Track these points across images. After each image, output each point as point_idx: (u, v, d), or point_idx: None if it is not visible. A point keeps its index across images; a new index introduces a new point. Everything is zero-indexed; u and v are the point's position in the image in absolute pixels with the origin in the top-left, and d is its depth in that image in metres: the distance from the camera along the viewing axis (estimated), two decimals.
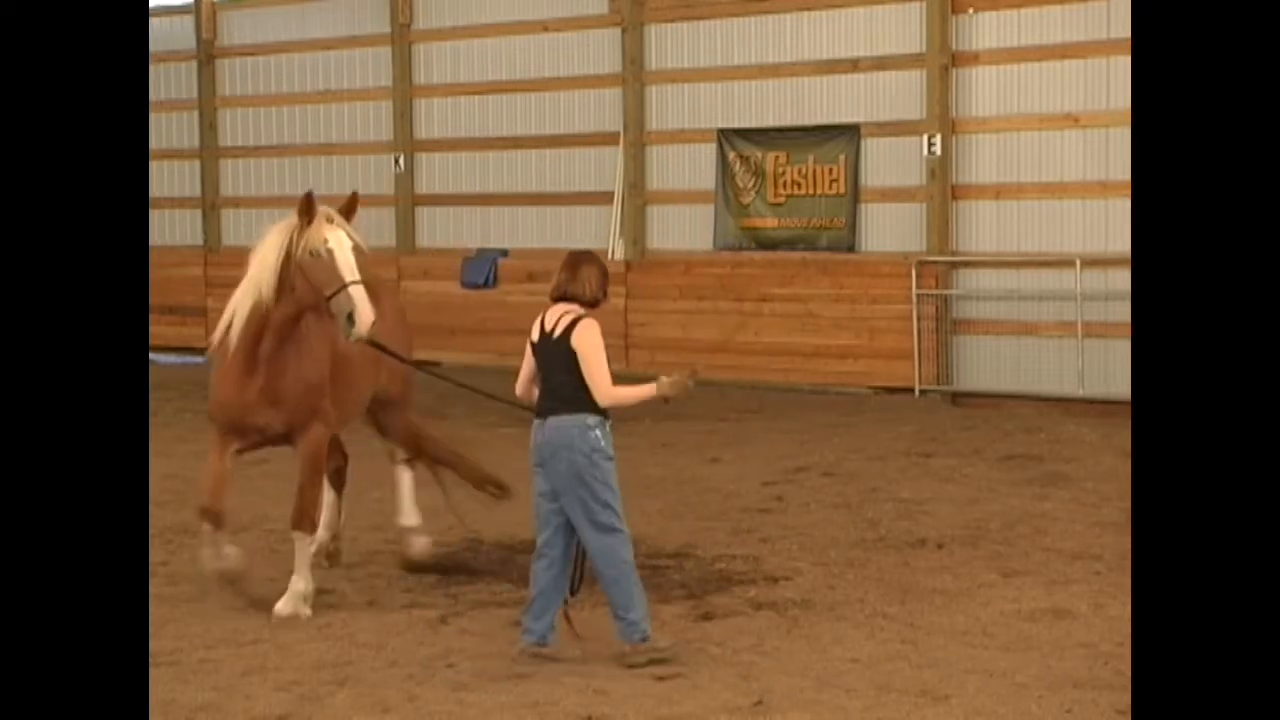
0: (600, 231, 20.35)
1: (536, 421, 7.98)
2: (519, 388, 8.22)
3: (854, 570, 9.87)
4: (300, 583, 8.87)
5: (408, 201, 22.69)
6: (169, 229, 25.50)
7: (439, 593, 9.36)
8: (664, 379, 8.02)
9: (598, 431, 7.83)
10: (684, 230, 20.24)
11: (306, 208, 8.57)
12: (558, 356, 7.87)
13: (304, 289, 8.50)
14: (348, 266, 8.41)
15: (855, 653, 8.02)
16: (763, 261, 19.49)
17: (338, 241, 8.46)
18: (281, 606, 8.78)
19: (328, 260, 8.41)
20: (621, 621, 7.89)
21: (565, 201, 21.07)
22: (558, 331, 7.88)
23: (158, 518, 10.49)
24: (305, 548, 8.97)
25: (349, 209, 8.83)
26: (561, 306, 7.99)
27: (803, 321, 18.87)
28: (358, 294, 8.33)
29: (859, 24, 18.77)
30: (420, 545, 9.91)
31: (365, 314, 8.30)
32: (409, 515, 10.00)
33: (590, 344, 7.83)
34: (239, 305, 8.69)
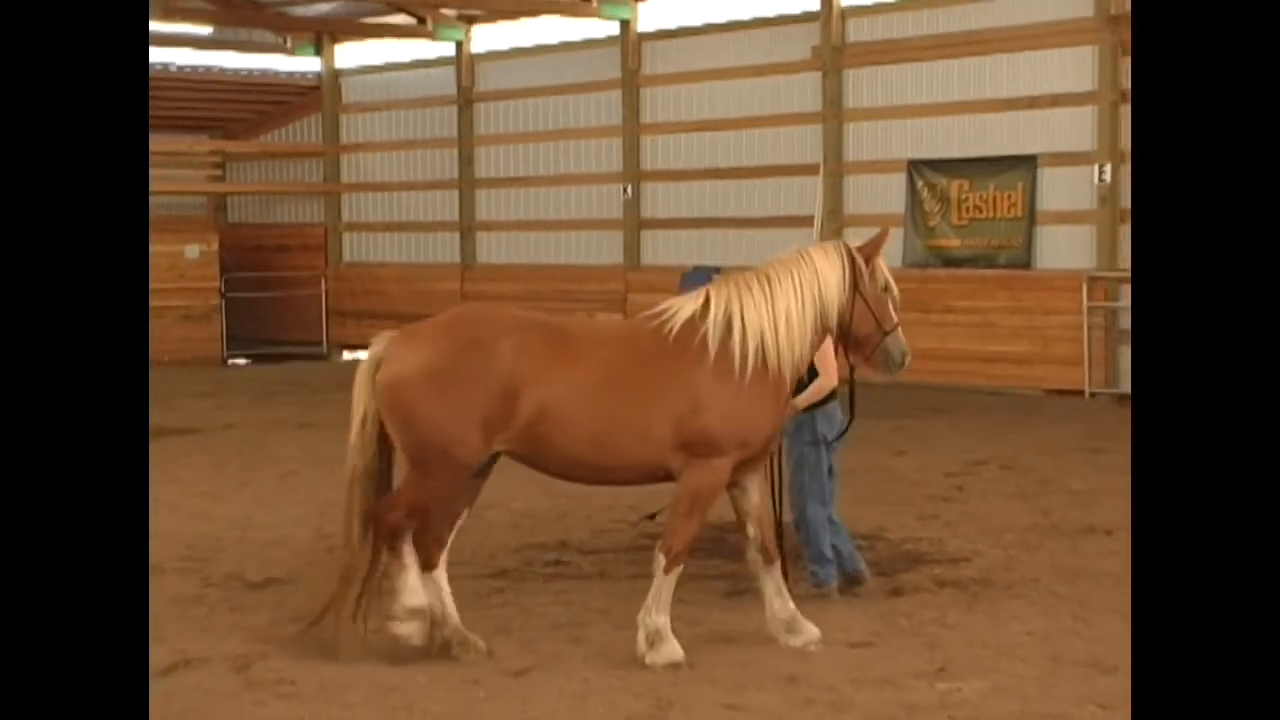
0: None
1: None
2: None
3: (1029, 553, 9.68)
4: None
5: (634, 225, 22.87)
6: (432, 249, 26.06)
7: None
8: None
9: None
10: None
11: (877, 243, 7.51)
12: None
13: (865, 323, 7.42)
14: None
15: (1030, 627, 7.86)
16: (947, 277, 19.26)
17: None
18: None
19: (888, 298, 7.52)
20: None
21: (771, 225, 21.02)
22: None
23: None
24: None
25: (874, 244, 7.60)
26: None
27: (983, 330, 18.61)
28: (902, 336, 7.61)
29: (1036, 65, 18.45)
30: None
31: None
32: None
33: None
34: (784, 331, 7.27)
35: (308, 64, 27.48)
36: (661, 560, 7.26)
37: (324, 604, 7.39)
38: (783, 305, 7.28)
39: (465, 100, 25.13)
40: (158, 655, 7.38)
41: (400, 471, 7.41)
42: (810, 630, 7.49)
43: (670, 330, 7.30)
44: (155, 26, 22.44)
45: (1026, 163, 18.46)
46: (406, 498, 7.28)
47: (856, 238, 7.90)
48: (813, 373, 8.10)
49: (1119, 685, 6.84)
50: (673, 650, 7.20)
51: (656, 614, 7.24)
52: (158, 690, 6.86)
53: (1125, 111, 17.60)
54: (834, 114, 20.26)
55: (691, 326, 7.29)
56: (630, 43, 22.61)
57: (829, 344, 7.95)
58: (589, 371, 7.23)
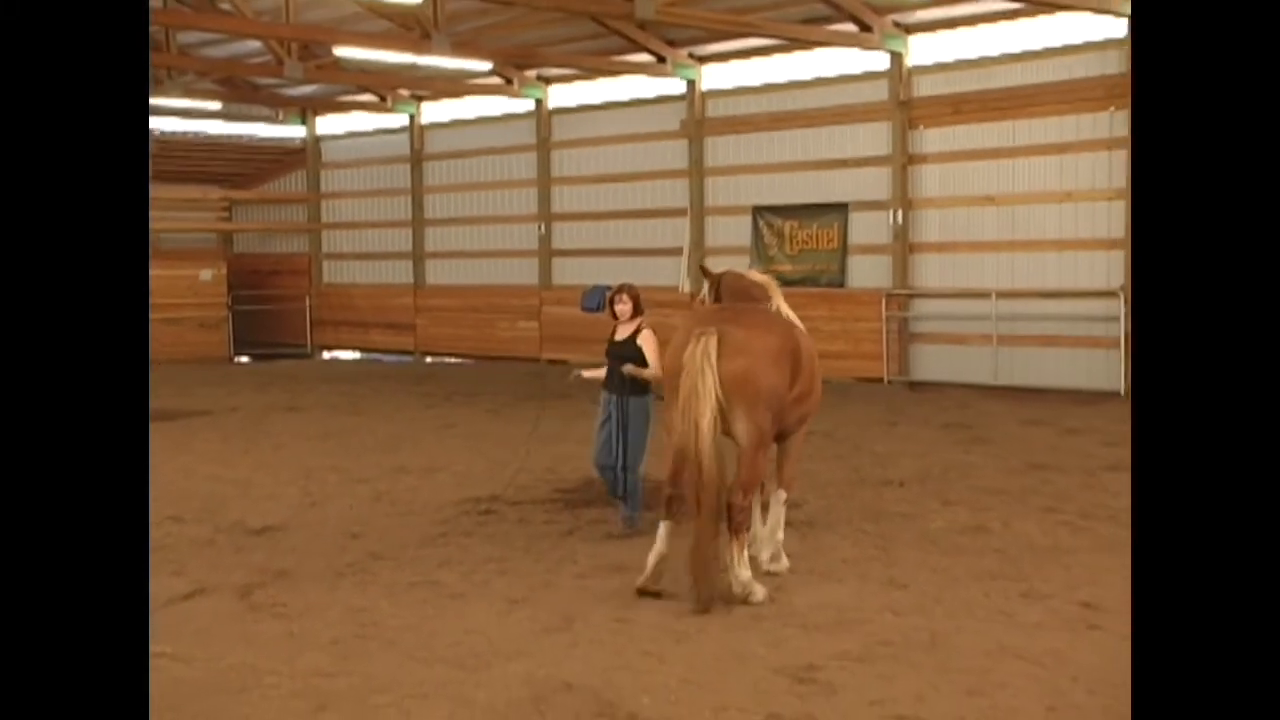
0: (673, 275, 20.31)
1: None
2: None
3: (844, 500, 9.78)
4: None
5: (547, 255, 22.76)
6: (392, 273, 25.71)
7: (566, 514, 9.34)
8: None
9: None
10: None
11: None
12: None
13: None
14: None
15: (844, 555, 7.94)
16: (782, 295, 19.34)
17: None
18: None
19: None
20: None
21: (650, 254, 21.05)
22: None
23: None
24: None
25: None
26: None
27: (809, 334, 18.74)
28: None
29: (848, 136, 18.65)
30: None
31: None
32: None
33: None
34: None
35: (295, 131, 27.09)
36: (782, 494, 7.52)
37: (695, 573, 6.65)
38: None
39: (417, 159, 24.87)
40: (179, 585, 7.23)
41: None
42: (784, 561, 7.50)
43: (797, 325, 7.64)
44: (177, 102, 22.04)
45: (841, 209, 18.65)
46: (749, 478, 6.79)
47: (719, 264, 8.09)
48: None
49: (909, 598, 6.95)
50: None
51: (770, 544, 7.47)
52: (179, 611, 6.73)
53: (912, 170, 17.88)
54: (697, 171, 20.32)
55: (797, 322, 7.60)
56: (543, 116, 22.51)
57: (654, 341, 8.17)
58: (811, 355, 7.35)
